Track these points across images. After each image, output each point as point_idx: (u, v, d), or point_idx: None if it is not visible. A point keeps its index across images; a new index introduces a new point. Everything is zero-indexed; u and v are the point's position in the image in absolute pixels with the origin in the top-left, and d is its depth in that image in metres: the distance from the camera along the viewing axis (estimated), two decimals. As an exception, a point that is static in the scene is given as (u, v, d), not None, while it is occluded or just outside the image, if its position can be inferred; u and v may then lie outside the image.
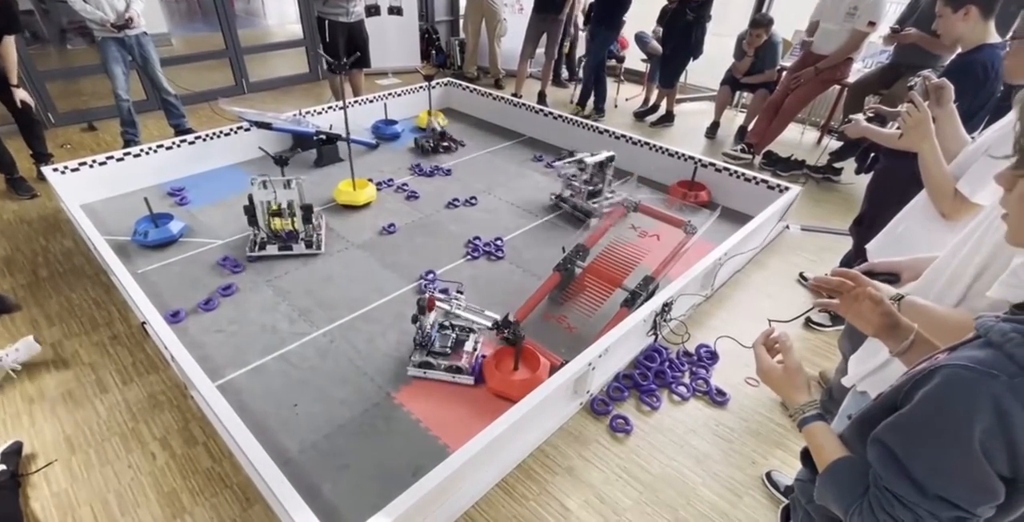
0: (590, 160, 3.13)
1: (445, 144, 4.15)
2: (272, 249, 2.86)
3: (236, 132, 3.80)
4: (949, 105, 1.57)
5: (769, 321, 1.95)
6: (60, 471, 1.85)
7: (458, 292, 2.26)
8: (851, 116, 1.89)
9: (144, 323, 2.20)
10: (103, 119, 4.55)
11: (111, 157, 3.36)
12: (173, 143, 3.57)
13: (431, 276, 2.74)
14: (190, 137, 3.65)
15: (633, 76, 5.90)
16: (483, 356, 2.18)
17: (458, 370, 2.11)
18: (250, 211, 2.74)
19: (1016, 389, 0.57)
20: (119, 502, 1.75)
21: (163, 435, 1.97)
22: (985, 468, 0.60)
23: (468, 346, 2.20)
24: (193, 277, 2.72)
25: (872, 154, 2.42)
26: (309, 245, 2.89)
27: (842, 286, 0.95)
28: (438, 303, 2.15)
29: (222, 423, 1.68)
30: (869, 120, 1.86)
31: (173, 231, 2.95)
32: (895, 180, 2.03)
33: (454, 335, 2.24)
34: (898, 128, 1.68)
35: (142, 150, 3.46)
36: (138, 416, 2.04)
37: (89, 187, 3.30)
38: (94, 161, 3.30)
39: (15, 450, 1.84)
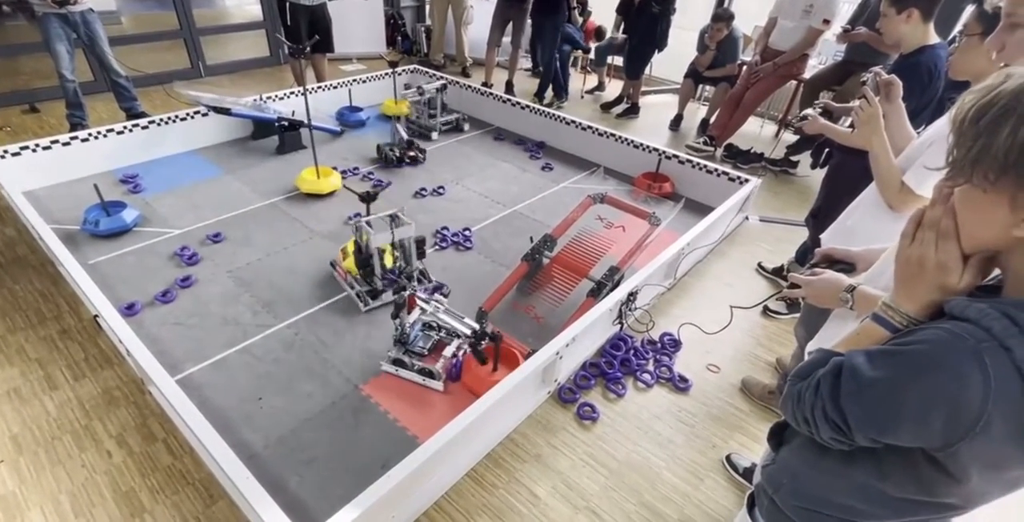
0: (428, 87, 4.04)
1: (412, 154, 3.74)
2: (387, 296, 2.44)
3: (193, 117, 3.65)
4: (898, 101, 1.65)
5: (731, 307, 2.02)
6: (7, 472, 1.76)
7: (441, 293, 2.20)
8: (805, 112, 1.96)
9: (96, 316, 2.11)
10: (46, 101, 4.30)
11: (56, 141, 3.18)
12: (125, 127, 3.40)
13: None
14: (143, 121, 3.48)
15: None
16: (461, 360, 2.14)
17: (429, 374, 2.05)
18: (365, 262, 2.24)
19: (979, 354, 0.59)
20: (73, 503, 1.68)
21: (119, 432, 1.90)
22: (901, 412, 0.64)
23: (448, 351, 2.13)
24: (149, 268, 2.61)
25: (827, 149, 2.52)
26: (422, 280, 2.50)
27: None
28: (419, 303, 2.11)
29: (182, 419, 1.64)
30: (820, 115, 1.94)
31: (126, 220, 2.82)
32: (848, 174, 2.12)
33: (437, 337, 2.20)
34: (851, 124, 1.76)
35: (91, 134, 3.28)
36: (92, 413, 1.96)
37: (32, 173, 3.12)
38: (37, 145, 3.12)
39: (-43, 451, 1.75)
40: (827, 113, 2.02)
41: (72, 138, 3.23)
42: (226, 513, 1.67)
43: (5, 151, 3.03)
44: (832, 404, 0.71)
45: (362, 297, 2.43)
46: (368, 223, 2.13)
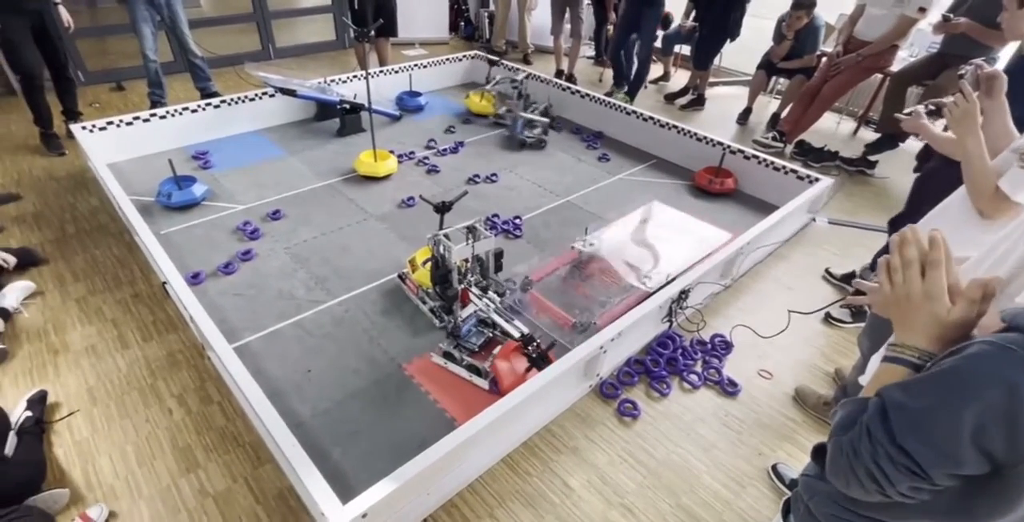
0: (520, 76, 3.97)
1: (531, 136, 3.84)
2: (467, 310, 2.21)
3: (261, 98, 3.79)
4: (1000, 97, 1.49)
5: (789, 312, 1.91)
6: (82, 421, 1.91)
7: (496, 293, 2.17)
8: (912, 108, 1.80)
9: (165, 283, 2.24)
10: (131, 79, 4.58)
11: (137, 118, 3.38)
12: (198, 106, 3.58)
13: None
14: (215, 101, 3.65)
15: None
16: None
17: (477, 372, 2.04)
18: (443, 277, 2.06)
19: None
20: (136, 454, 1.81)
21: (180, 392, 2.02)
22: (962, 437, 0.60)
23: (498, 350, 2.09)
24: (214, 240, 2.75)
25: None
26: (501, 295, 2.29)
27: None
28: (472, 298, 2.10)
29: (237, 384, 1.72)
30: (929, 114, 1.78)
31: (196, 194, 2.97)
32: (940, 181, 1.94)
33: (489, 335, 2.19)
34: (910, 111, 1.62)
35: (168, 112, 3.47)
36: (157, 373, 2.09)
37: (116, 146, 3.34)
38: (121, 121, 3.33)
39: (40, 398, 1.91)
40: (937, 112, 1.85)
41: (152, 115, 3.43)
42: (271, 476, 1.75)
43: (94, 126, 3.26)
44: (893, 447, 0.65)
45: (437, 313, 2.28)
46: (447, 236, 2.05)
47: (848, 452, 0.69)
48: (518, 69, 4.46)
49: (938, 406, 0.62)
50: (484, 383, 2.01)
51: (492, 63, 4.24)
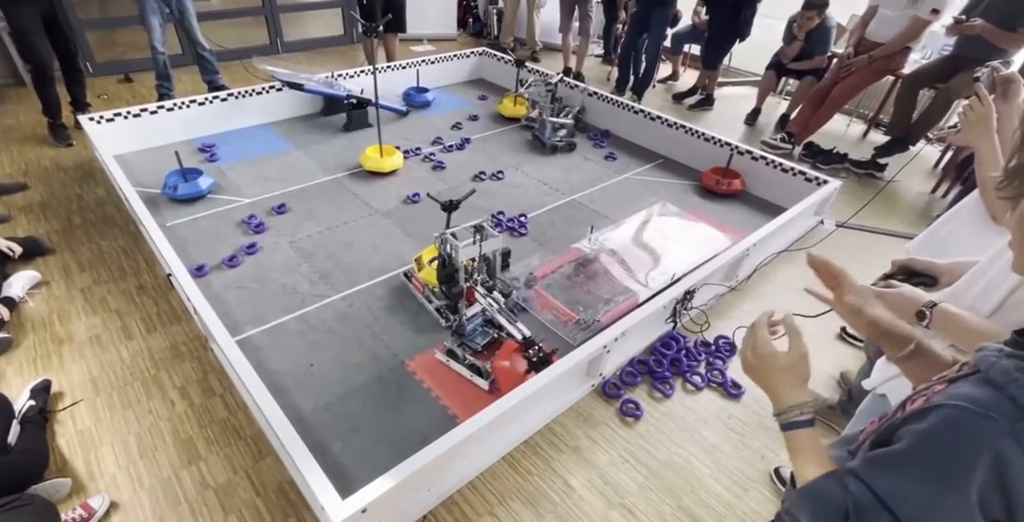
0: (555, 80, 3.91)
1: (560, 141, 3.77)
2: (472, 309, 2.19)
3: (268, 91, 3.79)
4: (1016, 101, 1.47)
5: (792, 315, 1.88)
6: (85, 410, 1.92)
7: (501, 293, 2.16)
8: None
9: (170, 275, 2.24)
10: (139, 71, 4.58)
11: (145, 109, 3.38)
12: (206, 99, 3.57)
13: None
14: (223, 94, 3.65)
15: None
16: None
17: (478, 371, 2.03)
18: (449, 276, 2.04)
19: (1017, 435, 0.54)
20: (138, 444, 1.81)
21: (183, 384, 2.02)
22: (975, 516, 0.58)
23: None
24: (219, 233, 2.75)
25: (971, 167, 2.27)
26: (507, 295, 2.26)
27: (828, 282, 0.88)
28: (477, 297, 2.09)
29: (239, 377, 1.72)
30: None
31: (202, 187, 2.97)
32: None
33: (494, 335, 2.18)
34: (957, 123, 1.59)
35: (175, 104, 3.47)
36: (160, 364, 2.10)
37: (123, 138, 3.34)
38: (128, 112, 3.33)
39: (44, 387, 1.91)
40: None
41: (159, 107, 3.43)
42: (272, 469, 1.75)
43: (101, 117, 3.26)
44: None
45: (443, 312, 2.26)
46: (454, 235, 2.02)
47: None
48: (548, 73, 4.31)
49: (940, 491, 0.59)
50: (484, 384, 2.00)
51: (519, 64, 4.13)
